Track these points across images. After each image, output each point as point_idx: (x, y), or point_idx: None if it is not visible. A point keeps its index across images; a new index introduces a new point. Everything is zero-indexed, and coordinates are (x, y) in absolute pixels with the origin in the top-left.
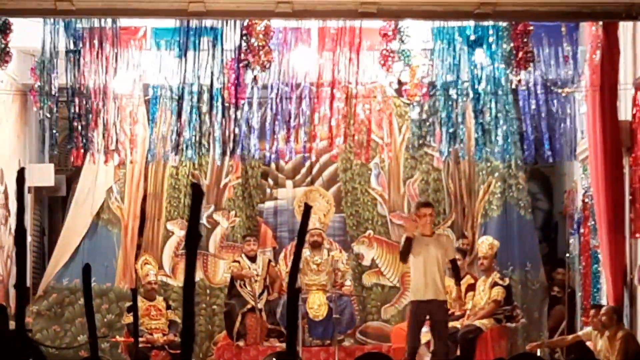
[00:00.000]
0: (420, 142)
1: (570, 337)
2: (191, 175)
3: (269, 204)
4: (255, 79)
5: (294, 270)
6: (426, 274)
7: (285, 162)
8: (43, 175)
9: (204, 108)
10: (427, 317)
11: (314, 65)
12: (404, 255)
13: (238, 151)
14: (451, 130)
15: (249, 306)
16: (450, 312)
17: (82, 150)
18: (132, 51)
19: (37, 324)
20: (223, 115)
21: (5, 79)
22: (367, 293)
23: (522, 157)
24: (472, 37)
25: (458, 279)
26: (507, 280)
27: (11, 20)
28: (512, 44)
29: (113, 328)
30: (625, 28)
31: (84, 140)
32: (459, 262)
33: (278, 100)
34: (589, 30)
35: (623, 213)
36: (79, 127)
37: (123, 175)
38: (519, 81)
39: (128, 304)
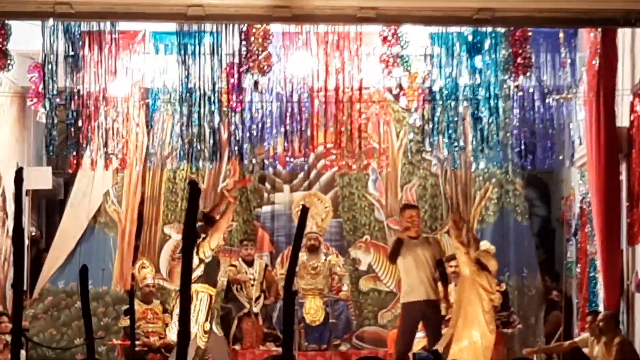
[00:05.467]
0: (418, 147)
1: (566, 343)
2: (188, 179)
3: (266, 209)
4: (256, 84)
5: (291, 273)
6: (415, 276)
7: (285, 167)
8: (41, 178)
9: (203, 112)
10: (420, 319)
11: (313, 71)
12: (394, 256)
13: (236, 156)
14: (449, 136)
15: (245, 310)
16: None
17: (80, 155)
18: (131, 55)
19: (33, 327)
20: (222, 120)
21: (4, 82)
22: (364, 298)
23: (519, 163)
24: (470, 40)
25: (444, 280)
26: (503, 286)
27: (10, 22)
28: (510, 50)
29: (110, 331)
30: (623, 34)
31: (83, 145)
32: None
33: (277, 105)
34: (587, 37)
35: (620, 220)
36: (77, 131)
37: (121, 179)
38: (517, 87)
39: (125, 307)
